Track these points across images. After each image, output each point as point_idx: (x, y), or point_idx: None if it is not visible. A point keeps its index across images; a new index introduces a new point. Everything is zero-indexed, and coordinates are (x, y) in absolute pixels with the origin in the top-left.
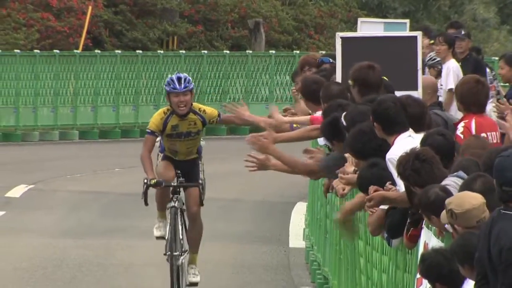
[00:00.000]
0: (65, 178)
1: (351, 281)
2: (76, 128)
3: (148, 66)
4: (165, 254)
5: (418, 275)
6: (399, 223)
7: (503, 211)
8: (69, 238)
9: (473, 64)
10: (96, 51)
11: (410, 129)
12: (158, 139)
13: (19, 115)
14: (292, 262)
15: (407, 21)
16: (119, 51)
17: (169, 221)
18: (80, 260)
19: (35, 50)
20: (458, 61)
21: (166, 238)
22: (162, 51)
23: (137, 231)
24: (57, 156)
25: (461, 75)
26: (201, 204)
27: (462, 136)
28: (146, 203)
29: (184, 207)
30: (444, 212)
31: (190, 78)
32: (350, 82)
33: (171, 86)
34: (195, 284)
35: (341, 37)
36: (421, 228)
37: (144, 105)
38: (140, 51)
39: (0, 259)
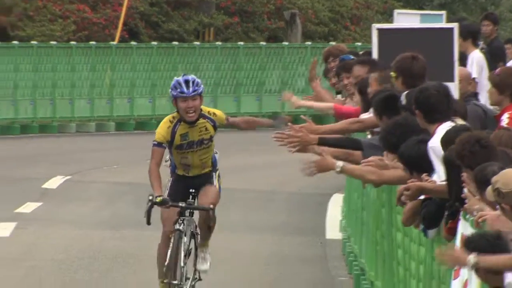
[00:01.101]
0: (102, 170)
1: (388, 272)
2: (112, 120)
3: (184, 58)
4: (162, 282)
5: (456, 267)
6: (435, 214)
7: None
8: (105, 230)
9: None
10: (132, 42)
11: (457, 118)
12: (167, 157)
13: (55, 107)
14: (328, 253)
15: (444, 12)
16: (155, 43)
17: (171, 245)
18: (116, 251)
19: (72, 42)
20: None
21: (166, 263)
22: (198, 43)
23: None
24: (93, 148)
25: (485, 65)
26: (208, 228)
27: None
28: (148, 222)
29: (197, 230)
30: (489, 189)
31: (199, 80)
32: (392, 73)
33: (178, 90)
34: (204, 271)
35: (377, 29)
36: (459, 220)
37: None
38: (176, 43)
39: (37, 250)
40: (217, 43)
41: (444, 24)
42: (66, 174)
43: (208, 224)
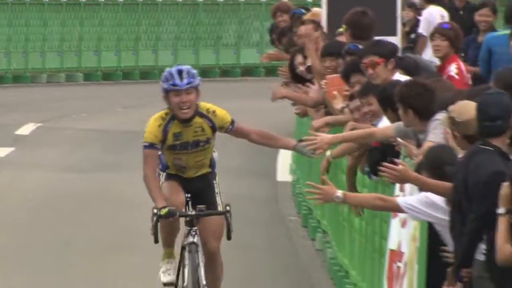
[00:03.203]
0: (71, 117)
1: (334, 211)
2: (81, 71)
3: (147, 14)
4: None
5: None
6: (380, 161)
7: (482, 146)
8: (74, 173)
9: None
10: (99, 0)
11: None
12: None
13: (28, 59)
14: (279, 194)
15: None
16: (121, 0)
17: (187, 263)
18: (84, 193)
19: None
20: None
21: (185, 284)
22: (160, 0)
23: (137, 166)
24: (63, 97)
25: (435, 21)
26: (229, 237)
27: (457, 77)
28: (156, 240)
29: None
30: (445, 116)
31: (195, 71)
32: (343, 26)
33: (170, 82)
34: None
35: None
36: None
37: (144, 49)
38: (141, 0)
39: (9, 192)
40: (178, 0)
41: None
42: (38, 121)
43: (229, 233)
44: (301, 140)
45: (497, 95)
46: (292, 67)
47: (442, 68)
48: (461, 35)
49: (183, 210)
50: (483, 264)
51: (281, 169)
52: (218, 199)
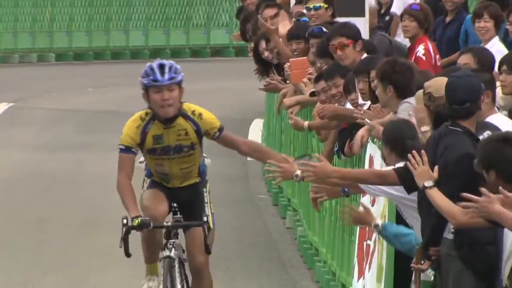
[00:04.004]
0: (43, 97)
1: (304, 191)
2: (52, 51)
3: None
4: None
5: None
6: (347, 140)
7: (451, 127)
8: (46, 152)
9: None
10: None
11: None
12: (142, 159)
13: (0, 40)
14: (250, 173)
15: None
16: None
17: (162, 278)
18: (55, 171)
19: None
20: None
21: None
22: None
23: (108, 145)
24: (35, 77)
25: (408, 1)
26: (208, 251)
27: (424, 57)
28: (127, 253)
29: (185, 255)
30: (420, 92)
31: (179, 66)
32: (323, 5)
33: (151, 77)
34: None
35: None
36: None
37: (115, 30)
38: None
39: None
40: None
41: None
42: (10, 101)
43: (207, 245)
44: (297, 157)
45: (465, 78)
46: (257, 53)
47: (411, 49)
48: (430, 16)
49: (165, 221)
50: (451, 242)
51: None
52: (207, 209)
